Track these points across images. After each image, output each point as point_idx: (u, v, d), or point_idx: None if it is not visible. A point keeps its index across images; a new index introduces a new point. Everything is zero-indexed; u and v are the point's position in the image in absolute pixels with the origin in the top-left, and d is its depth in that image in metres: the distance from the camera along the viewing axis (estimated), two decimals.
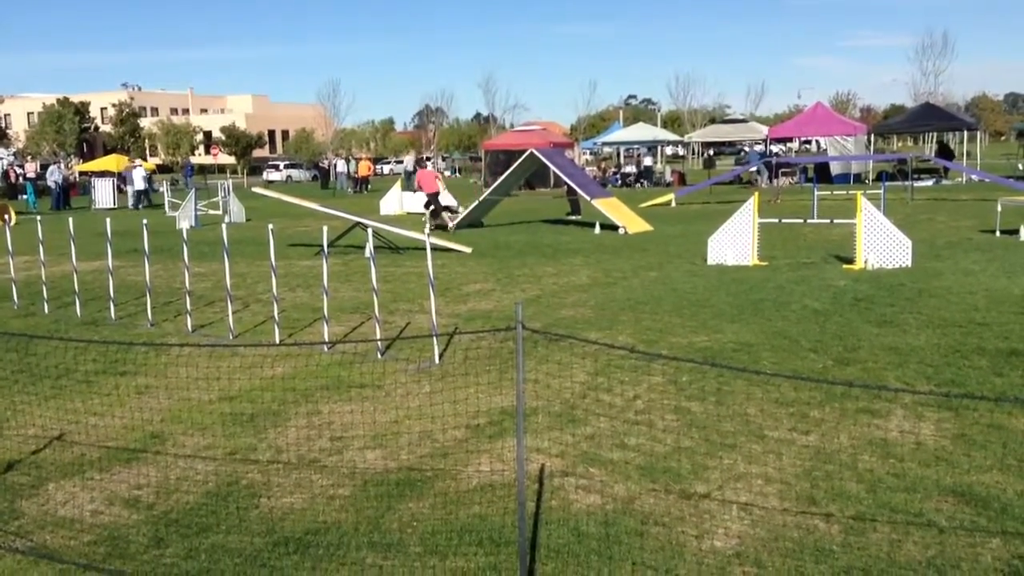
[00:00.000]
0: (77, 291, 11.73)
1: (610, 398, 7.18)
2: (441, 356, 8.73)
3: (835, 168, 38.25)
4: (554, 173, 26.05)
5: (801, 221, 18.81)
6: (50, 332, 10.00)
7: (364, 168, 49.06)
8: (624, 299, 11.86)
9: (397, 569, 4.33)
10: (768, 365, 7.99)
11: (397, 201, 30.07)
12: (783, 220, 17.95)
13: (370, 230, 10.75)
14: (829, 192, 29.45)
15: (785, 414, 6.62)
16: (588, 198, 22.26)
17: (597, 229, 21.28)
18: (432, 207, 23.74)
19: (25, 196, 37.80)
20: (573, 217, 25.25)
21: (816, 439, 6.07)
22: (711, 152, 63.04)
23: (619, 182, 43.65)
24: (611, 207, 22.13)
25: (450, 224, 22.86)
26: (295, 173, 69.07)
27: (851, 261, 14.22)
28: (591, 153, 65.24)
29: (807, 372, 7.67)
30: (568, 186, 24.48)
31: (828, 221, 17.87)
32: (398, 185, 32.34)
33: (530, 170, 25.60)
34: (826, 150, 43.29)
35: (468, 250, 17.23)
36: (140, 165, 40.05)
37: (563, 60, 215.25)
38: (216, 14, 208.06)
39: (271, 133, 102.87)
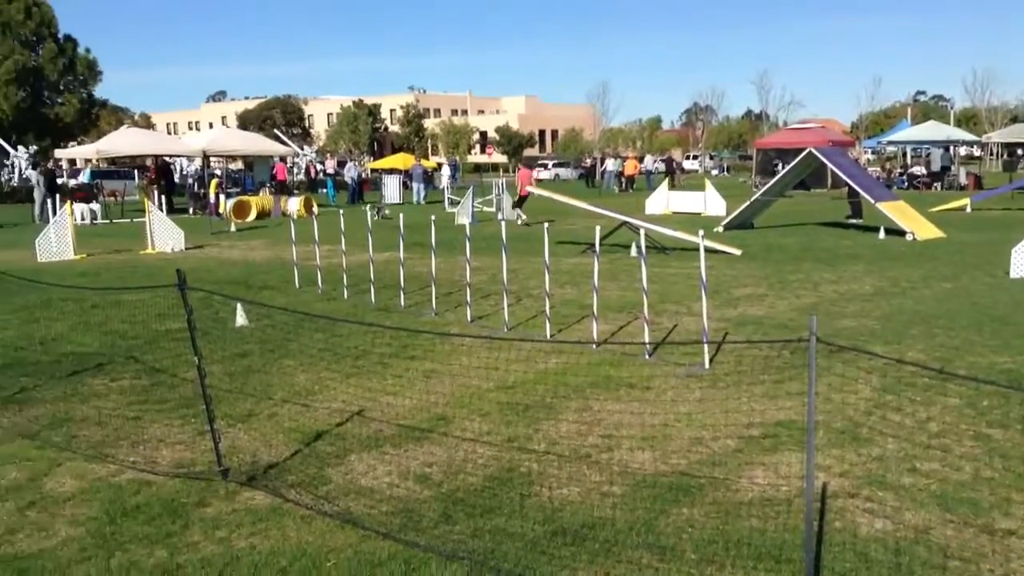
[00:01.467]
0: (372, 279, 12.77)
1: (900, 418, 6.72)
2: (711, 361, 8.60)
3: None
4: (832, 173, 24.75)
5: None
6: (349, 316, 10.95)
7: (630, 167, 49.21)
8: (913, 311, 11.05)
9: (673, 574, 4.33)
10: None
11: (664, 200, 29.93)
12: None
13: (642, 230, 10.80)
14: None
15: None
16: (872, 201, 20.94)
17: (881, 234, 19.98)
18: (517, 202, 26.49)
19: (324, 190, 41.69)
20: (854, 220, 23.88)
21: None
22: (1019, 152, 57.00)
23: (906, 184, 40.69)
24: (898, 210, 20.67)
25: (519, 221, 25.35)
26: (562, 172, 70.76)
27: None
28: (873, 152, 61.25)
29: None
30: (849, 187, 23.27)
31: None
32: (665, 184, 32.17)
33: (807, 170, 24.48)
34: None
35: (738, 252, 16.81)
36: (445, 162, 43.27)
37: (845, 54, 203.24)
38: (494, 19, 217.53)
39: (541, 133, 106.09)
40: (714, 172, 73.88)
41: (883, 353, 8.42)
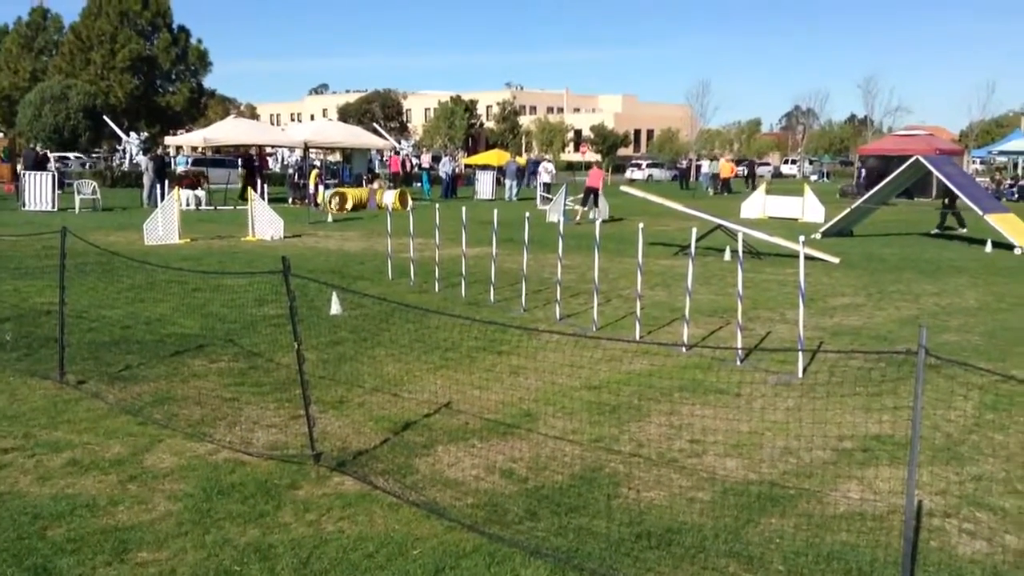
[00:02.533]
0: (464, 274, 12.89)
1: (1002, 437, 6.45)
2: (804, 371, 8.40)
3: None
4: (937, 183, 23.87)
5: None
6: (440, 308, 11.07)
7: (726, 169, 48.40)
8: (1020, 328, 10.58)
9: None
10: None
11: (760, 205, 29.35)
12: None
13: (740, 234, 10.61)
14: None
15: None
16: (980, 212, 20.11)
17: (989, 247, 19.19)
18: (586, 199, 26.52)
19: (419, 184, 42.26)
20: (960, 231, 23.06)
21: None
22: None
23: (1016, 196, 38.97)
24: (1006, 223, 19.82)
25: (577, 218, 25.90)
26: (656, 172, 70.05)
27: None
28: (982, 163, 58.85)
29: None
30: (946, 198, 22.71)
31: None
32: (762, 188, 31.54)
33: (913, 178, 23.68)
34: None
35: (836, 260, 16.37)
36: (549, 160, 43.56)
37: (957, 59, 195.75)
38: (595, 16, 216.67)
39: (636, 132, 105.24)
40: (813, 178, 72.02)
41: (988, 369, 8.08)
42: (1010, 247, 18.98)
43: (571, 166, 63.83)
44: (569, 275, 14.62)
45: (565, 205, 26.61)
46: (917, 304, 12.42)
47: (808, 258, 10.41)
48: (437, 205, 14.96)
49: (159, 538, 4.75)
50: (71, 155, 50.89)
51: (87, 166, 48.78)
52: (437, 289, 13.08)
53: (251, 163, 34.43)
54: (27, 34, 68.04)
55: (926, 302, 12.61)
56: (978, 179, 38.54)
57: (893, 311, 11.88)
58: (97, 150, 55.72)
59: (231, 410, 7.07)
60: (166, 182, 27.10)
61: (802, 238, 8.97)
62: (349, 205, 29.02)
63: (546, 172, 37.53)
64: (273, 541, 4.73)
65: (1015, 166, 50.09)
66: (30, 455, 5.99)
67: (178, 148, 48.37)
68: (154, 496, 5.34)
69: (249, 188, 25.36)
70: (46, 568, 4.39)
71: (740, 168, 56.35)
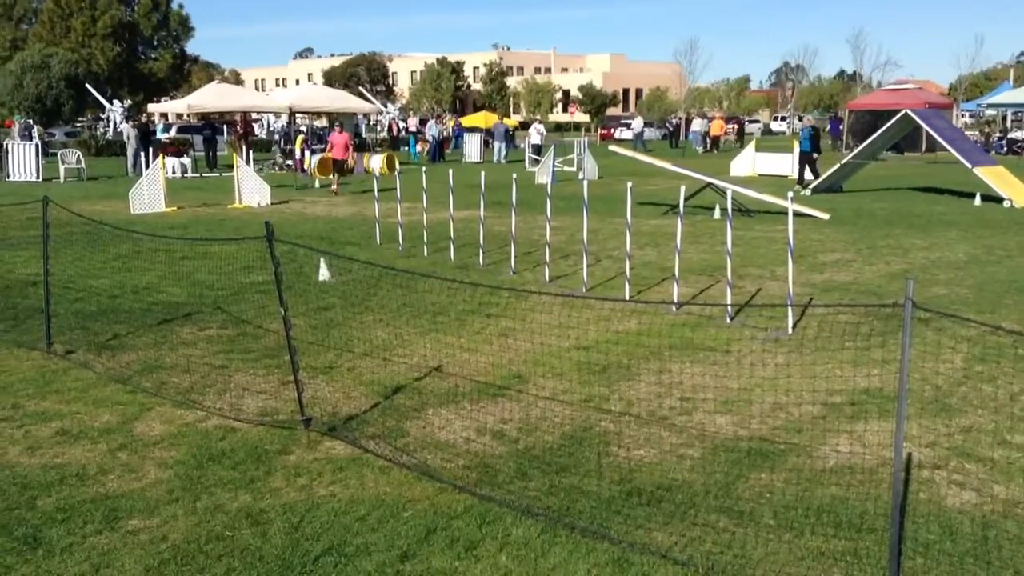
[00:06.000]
0: (452, 237, 12.83)
1: (991, 389, 6.48)
2: (794, 327, 8.41)
3: None
4: (927, 137, 23.81)
5: None
6: (428, 272, 11.03)
7: (716, 127, 48.16)
8: (1009, 281, 10.60)
9: (750, 539, 4.27)
10: None
11: (750, 162, 29.25)
12: None
13: (729, 192, 10.57)
14: None
15: None
16: (969, 165, 20.08)
17: (977, 200, 19.21)
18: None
19: (406, 148, 41.96)
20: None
21: None
22: None
23: (1004, 149, 38.92)
24: (995, 176, 19.83)
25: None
26: (646, 131, 69.60)
27: None
28: (971, 116, 58.75)
29: None
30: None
31: None
32: (752, 146, 31.42)
33: (902, 132, 23.63)
34: None
35: (826, 216, 16.35)
36: (539, 121, 43.29)
37: (945, 12, 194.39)
38: None
39: (625, 92, 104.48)
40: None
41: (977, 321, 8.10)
42: (999, 200, 18.99)
43: (559, 127, 63.44)
44: (558, 236, 14.57)
45: (554, 166, 26.46)
46: (907, 258, 12.43)
47: (797, 214, 10.40)
48: (424, 169, 14.84)
49: (150, 505, 4.75)
50: (56, 131, 50.39)
51: (71, 135, 48.26)
52: (426, 253, 13.02)
53: (213, 128, 34.33)
54: (5, 2, 66.94)
55: (916, 256, 12.62)
56: (967, 132, 38.50)
57: (883, 266, 11.89)
58: (81, 119, 55.11)
59: (220, 377, 7.04)
60: (151, 150, 26.84)
61: (790, 194, 8.95)
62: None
63: (536, 133, 37.23)
64: (264, 506, 4.72)
65: (1004, 119, 49.99)
66: (19, 426, 5.96)
67: (164, 116, 47.81)
68: (144, 464, 5.32)
69: (234, 155, 25.14)
70: (36, 537, 4.38)
71: (729, 125, 56.11)
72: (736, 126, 55.27)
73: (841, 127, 43.65)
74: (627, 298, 9.69)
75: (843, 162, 22.63)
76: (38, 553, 4.24)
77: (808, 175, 23.56)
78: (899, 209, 18.58)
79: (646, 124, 71.59)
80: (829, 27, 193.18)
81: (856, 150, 23.30)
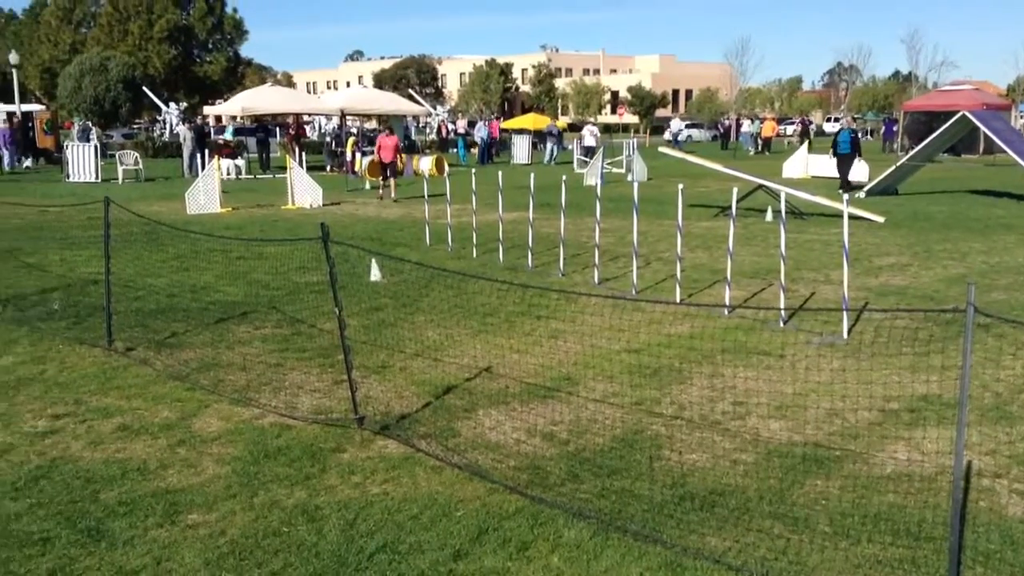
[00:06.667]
0: (501, 239, 12.87)
1: None
2: (849, 332, 8.29)
3: None
4: (985, 139, 23.27)
5: None
6: (478, 274, 11.08)
7: (768, 128, 47.63)
8: None
9: (805, 546, 4.22)
10: None
11: (802, 164, 28.87)
12: None
13: (783, 193, 10.45)
14: None
15: None
16: None
17: None
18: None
19: (455, 150, 42.16)
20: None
21: None
22: None
23: None
24: None
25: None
26: (695, 133, 69.14)
27: None
28: None
29: None
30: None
31: None
32: (804, 147, 31.00)
33: (959, 134, 23.14)
34: None
35: (881, 220, 16.07)
36: (593, 123, 43.30)
37: (1003, 12, 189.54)
38: None
39: (675, 92, 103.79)
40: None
41: None
42: None
43: (609, 128, 63.21)
44: (607, 238, 14.53)
45: (603, 168, 26.39)
46: (965, 263, 12.17)
47: (852, 217, 10.23)
48: (474, 170, 14.90)
49: (209, 500, 4.85)
50: (114, 133, 51.56)
51: (128, 137, 49.36)
52: (475, 255, 13.08)
53: (266, 131, 34.86)
54: (66, 7, 68.72)
55: (974, 260, 12.35)
56: None
57: (940, 270, 11.66)
58: (137, 121, 56.33)
59: (276, 375, 7.16)
60: (206, 151, 27.33)
61: (846, 197, 8.82)
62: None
63: (590, 135, 37.02)
64: (320, 503, 4.79)
65: None
66: (81, 420, 6.13)
67: (232, 118, 48.67)
68: (203, 460, 5.43)
69: (287, 157, 25.48)
70: (99, 530, 4.50)
71: (781, 127, 55.31)
72: (800, 126, 54.17)
73: (895, 128, 42.98)
74: (678, 301, 9.64)
75: (898, 164, 22.23)
76: (101, 545, 4.35)
77: (851, 177, 23.13)
78: (956, 212, 18.20)
79: (694, 125, 71.25)
80: (883, 27, 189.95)
81: (912, 152, 22.86)
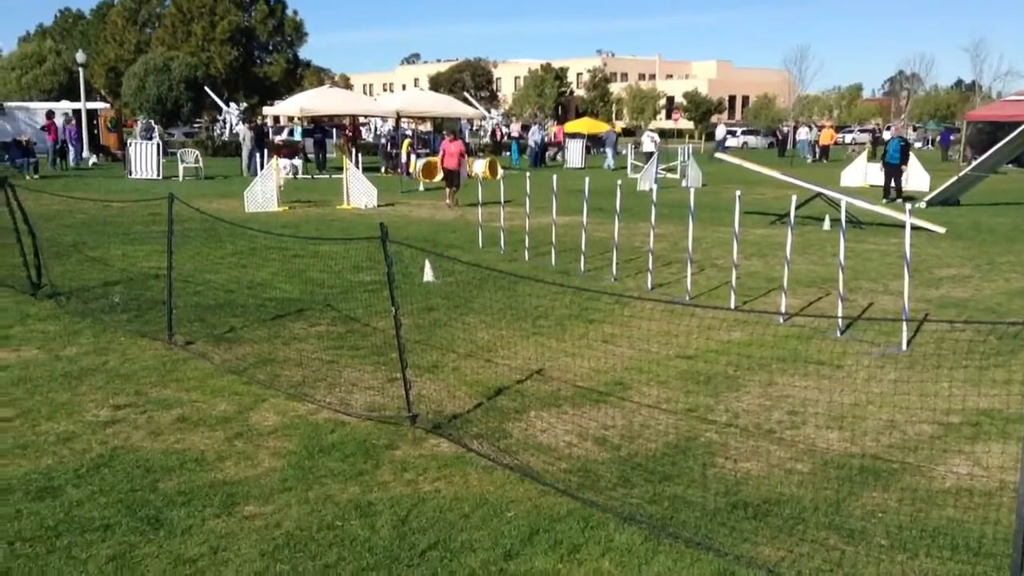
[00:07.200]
0: (554, 242, 12.87)
1: None
2: (908, 343, 8.13)
3: None
4: None
5: None
6: (530, 276, 11.07)
7: (826, 136, 46.92)
8: None
9: (861, 558, 4.16)
10: None
11: (861, 172, 28.39)
12: None
13: (843, 202, 10.29)
14: None
15: None
16: None
17: None
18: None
19: (508, 153, 42.28)
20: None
21: None
22: None
23: None
24: None
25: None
26: (751, 140, 68.40)
27: None
28: None
29: None
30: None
31: None
32: (864, 156, 30.48)
33: None
34: None
35: (942, 230, 15.73)
36: (652, 130, 43.21)
37: None
38: None
39: (731, 99, 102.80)
40: (917, 145, 69.23)
41: None
42: None
43: (663, 133, 62.84)
44: (661, 244, 14.42)
45: (657, 173, 26.24)
46: None
47: (913, 228, 10.01)
48: (527, 174, 14.93)
49: (264, 493, 4.93)
50: (175, 132, 52.69)
51: (189, 136, 50.40)
52: (527, 258, 13.10)
53: (323, 131, 35.24)
54: (131, 7, 70.44)
55: None
56: None
57: (1002, 283, 11.38)
58: (198, 120, 57.48)
59: (331, 372, 7.25)
60: (265, 151, 27.78)
61: (908, 207, 8.66)
62: (440, 174, 29.22)
63: (649, 141, 36.75)
64: (373, 499, 4.84)
65: None
66: (142, 411, 6.27)
67: (291, 119, 49.46)
68: (259, 453, 5.53)
69: (344, 157, 25.77)
70: (158, 519, 4.60)
71: (839, 135, 54.41)
72: (871, 136, 53.12)
73: (952, 138, 41.99)
74: (733, 307, 9.54)
75: (961, 174, 21.74)
76: (160, 534, 4.45)
77: (895, 186, 22.75)
78: (1020, 224, 17.73)
79: (751, 132, 70.45)
80: (946, 35, 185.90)
81: (975, 162, 22.34)
